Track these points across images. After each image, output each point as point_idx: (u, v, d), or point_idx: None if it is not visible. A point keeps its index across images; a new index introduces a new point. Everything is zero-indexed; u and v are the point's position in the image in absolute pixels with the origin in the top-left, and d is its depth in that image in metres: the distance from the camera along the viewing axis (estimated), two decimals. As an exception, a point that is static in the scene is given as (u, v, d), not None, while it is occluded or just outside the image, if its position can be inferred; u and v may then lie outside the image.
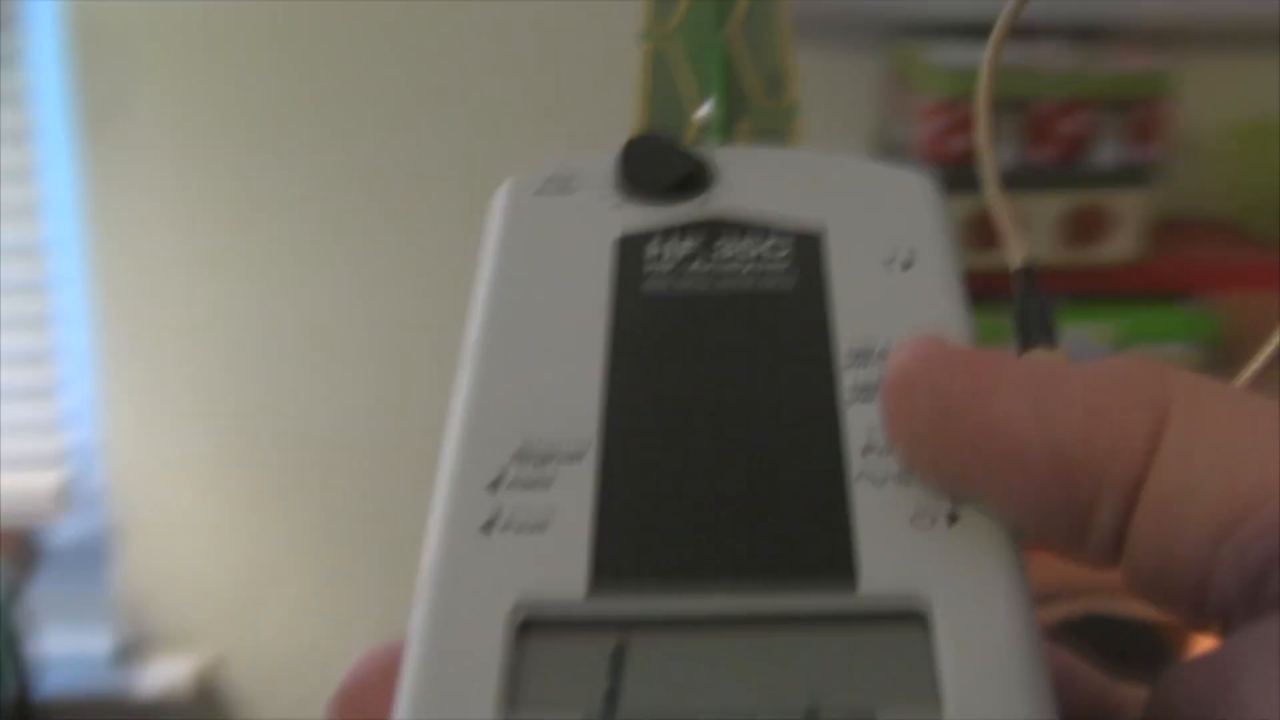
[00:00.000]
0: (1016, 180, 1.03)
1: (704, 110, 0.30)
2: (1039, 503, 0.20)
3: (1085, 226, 1.14)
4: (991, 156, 0.29)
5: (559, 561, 0.20)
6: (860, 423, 0.22)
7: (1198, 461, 0.19)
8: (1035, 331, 0.27)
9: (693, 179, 0.27)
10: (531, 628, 0.20)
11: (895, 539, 0.20)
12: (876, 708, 0.19)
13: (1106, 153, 1.14)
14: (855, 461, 0.21)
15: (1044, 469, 0.20)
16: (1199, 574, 0.19)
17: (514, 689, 0.19)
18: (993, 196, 0.29)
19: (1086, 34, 1.10)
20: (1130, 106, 1.14)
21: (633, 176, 0.27)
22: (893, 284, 0.25)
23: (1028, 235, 0.29)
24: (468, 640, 0.19)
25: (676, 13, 0.31)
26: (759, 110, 0.31)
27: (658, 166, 0.27)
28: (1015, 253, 0.28)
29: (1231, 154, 1.25)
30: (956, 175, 0.77)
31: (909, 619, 0.20)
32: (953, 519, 0.21)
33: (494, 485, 0.21)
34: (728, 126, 0.31)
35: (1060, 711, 0.19)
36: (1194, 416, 0.19)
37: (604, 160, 0.27)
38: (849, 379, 0.23)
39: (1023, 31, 0.90)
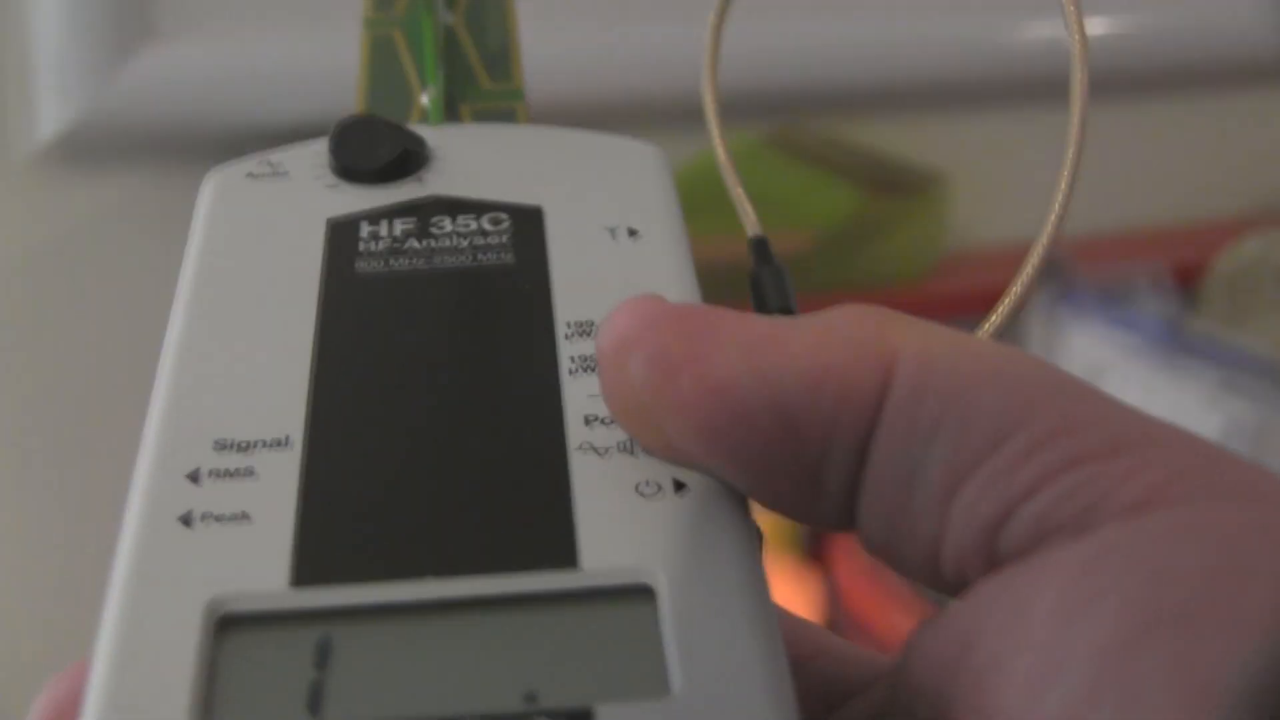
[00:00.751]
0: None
1: (426, 96, 0.29)
2: (766, 464, 0.19)
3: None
4: (720, 130, 0.27)
5: (261, 553, 0.19)
6: (581, 394, 0.21)
7: (924, 415, 0.18)
8: (772, 299, 0.25)
9: (407, 158, 0.26)
10: (230, 624, 0.18)
11: (618, 512, 0.19)
12: (598, 692, 0.17)
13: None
14: (576, 433, 0.21)
15: (769, 427, 0.18)
16: (931, 530, 0.18)
17: (210, 692, 0.17)
18: (724, 169, 0.27)
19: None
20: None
21: (344, 158, 0.26)
22: (616, 254, 0.24)
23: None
24: (160, 640, 0.18)
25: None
26: (484, 92, 0.29)
27: (370, 147, 0.26)
28: (749, 223, 0.27)
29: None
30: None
31: (634, 594, 0.19)
32: (679, 486, 0.20)
33: (193, 476, 0.20)
34: (451, 109, 0.29)
35: (797, 687, 0.18)
36: (924, 367, 0.18)
37: (318, 144, 0.26)
38: (569, 350, 0.22)
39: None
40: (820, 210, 0.85)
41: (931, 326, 0.19)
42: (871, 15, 0.91)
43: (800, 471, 0.19)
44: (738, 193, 0.27)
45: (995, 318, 0.23)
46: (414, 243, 0.24)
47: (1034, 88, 0.82)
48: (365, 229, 0.24)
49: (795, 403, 0.18)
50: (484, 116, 0.29)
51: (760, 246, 0.26)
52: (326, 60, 0.74)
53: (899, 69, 0.93)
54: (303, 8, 0.78)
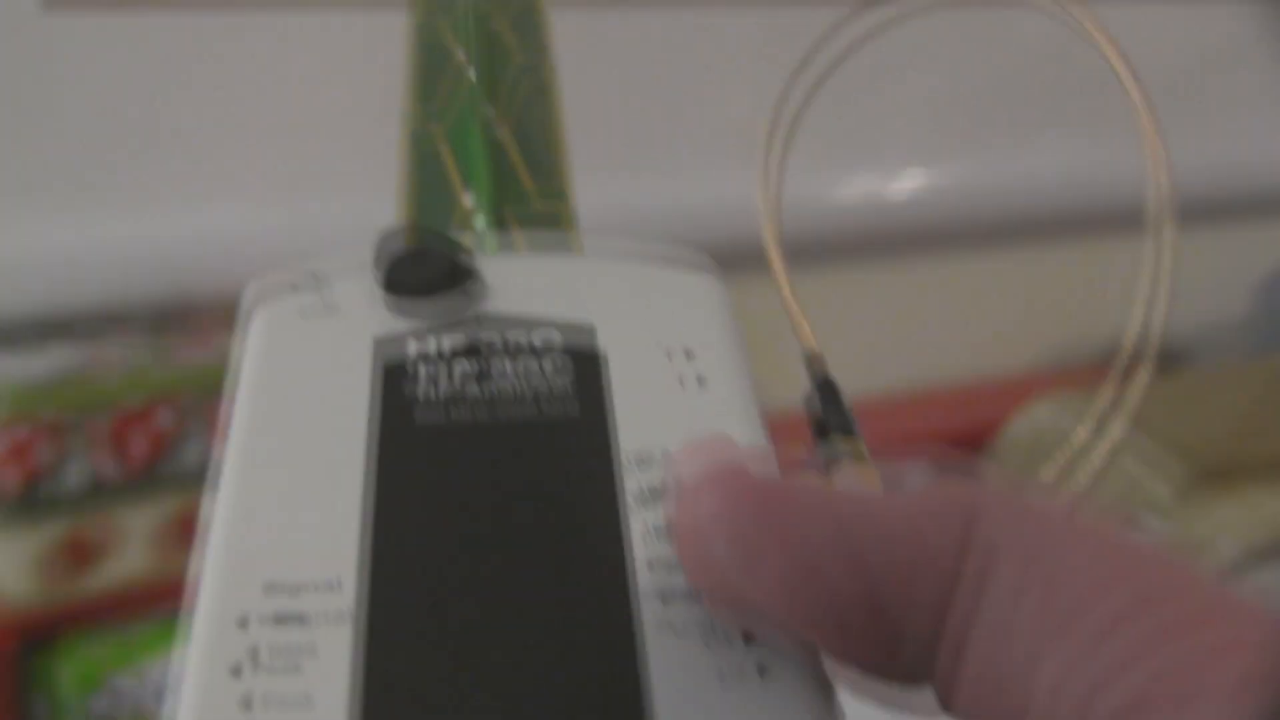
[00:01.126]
0: (102, 499, 0.82)
1: (469, 200, 0.28)
2: (851, 637, 0.19)
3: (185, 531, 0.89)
4: (779, 247, 0.29)
5: None
6: (651, 559, 0.20)
7: (1007, 575, 0.18)
8: (832, 420, 0.26)
9: (464, 292, 0.25)
10: None
11: (698, 702, 0.19)
12: None
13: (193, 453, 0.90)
14: (649, 610, 0.20)
15: (859, 609, 0.18)
16: (1018, 703, 0.18)
17: None
18: (786, 299, 0.28)
19: (161, 323, 0.91)
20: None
21: (398, 293, 0.25)
22: (684, 405, 0.23)
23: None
24: None
25: (440, 96, 0.29)
26: (532, 202, 0.29)
27: (424, 280, 0.25)
28: (808, 347, 0.27)
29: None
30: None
31: None
32: (762, 669, 0.19)
33: (238, 669, 0.19)
34: (500, 219, 0.28)
35: None
36: (1001, 548, 0.18)
37: (362, 263, 0.25)
38: (638, 519, 0.21)
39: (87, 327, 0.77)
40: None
41: (1018, 500, 0.19)
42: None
43: (882, 642, 0.19)
44: (792, 309, 0.28)
45: (1059, 475, 0.26)
46: (472, 388, 0.23)
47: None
48: (422, 372, 0.23)
49: (885, 586, 0.18)
50: (530, 223, 0.28)
51: (816, 364, 0.27)
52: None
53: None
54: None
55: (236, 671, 0.19)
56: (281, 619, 0.19)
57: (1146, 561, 0.18)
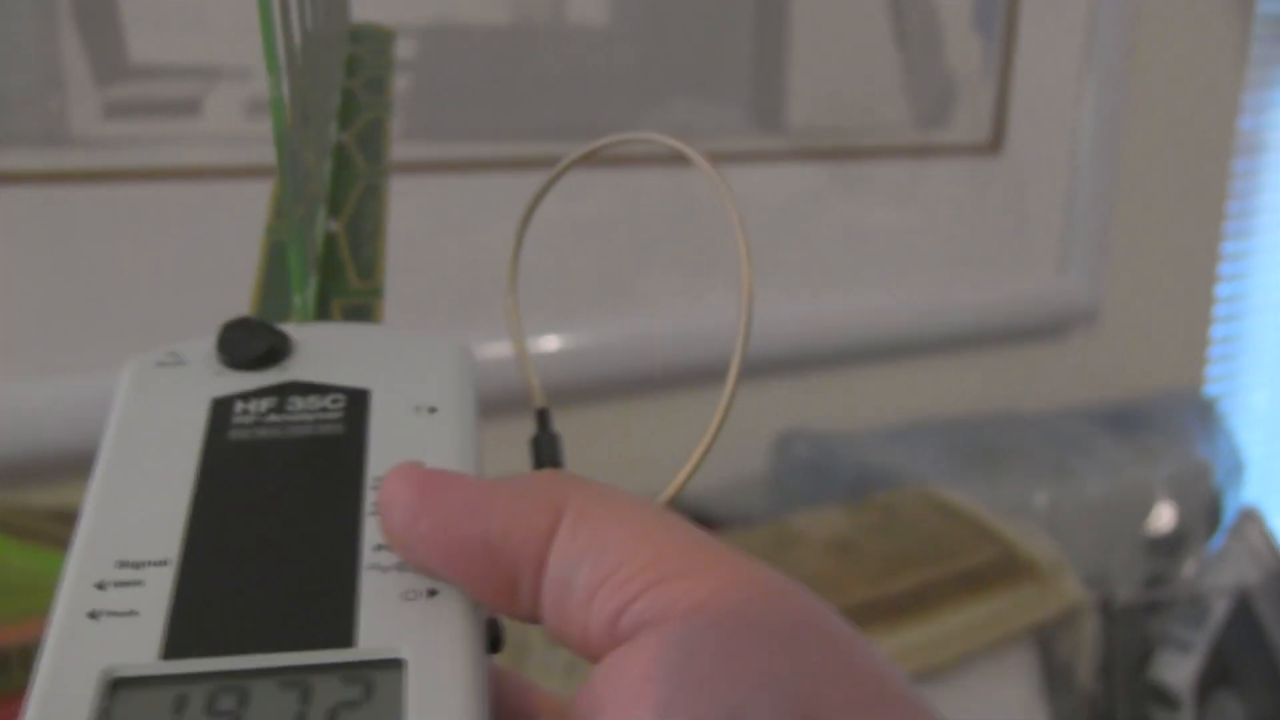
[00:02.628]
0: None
1: (298, 300, 0.36)
2: (480, 578, 0.27)
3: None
4: (517, 315, 0.39)
5: (142, 637, 0.27)
6: (375, 532, 0.29)
7: (577, 546, 0.27)
8: (546, 460, 0.36)
9: (275, 351, 0.34)
10: (119, 685, 0.26)
11: (388, 610, 0.27)
12: None
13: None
14: (369, 556, 0.28)
15: (479, 555, 0.27)
16: (581, 623, 0.27)
17: None
18: (519, 352, 0.38)
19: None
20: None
21: (227, 351, 0.33)
22: (417, 426, 0.32)
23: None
24: (69, 697, 0.25)
25: (298, 209, 0.36)
26: (352, 290, 0.38)
27: (247, 342, 0.33)
28: (536, 398, 0.37)
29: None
30: None
31: (390, 665, 0.26)
32: (432, 593, 0.28)
33: (100, 585, 0.28)
34: (324, 303, 0.37)
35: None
36: (580, 514, 0.27)
37: (210, 340, 0.34)
38: (372, 498, 0.30)
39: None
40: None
41: (595, 486, 0.28)
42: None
43: (503, 583, 0.27)
44: (530, 375, 0.37)
45: (668, 493, 0.33)
46: (273, 416, 0.32)
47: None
48: (239, 406, 0.32)
49: (496, 538, 0.27)
50: (349, 310, 0.37)
51: (542, 416, 0.36)
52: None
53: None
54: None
55: (93, 616, 0.27)
56: (126, 583, 0.28)
57: (665, 532, 0.27)
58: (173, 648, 0.27)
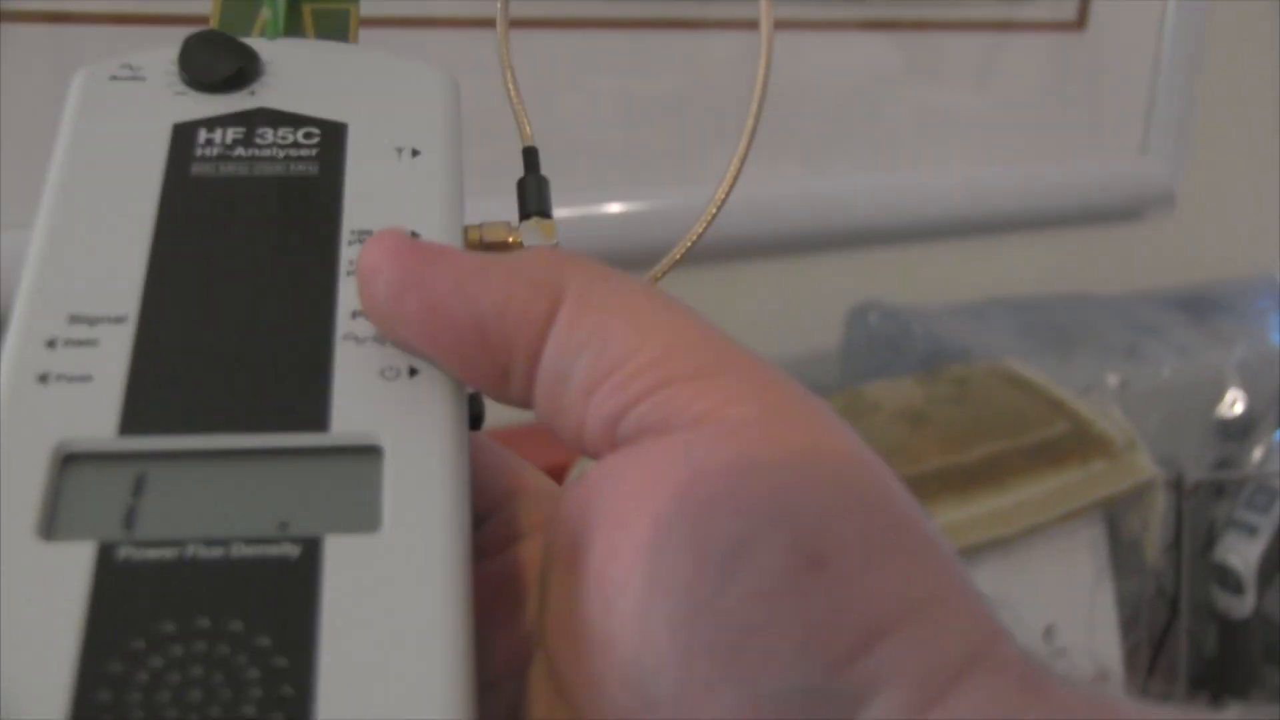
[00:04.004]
0: None
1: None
2: (469, 361, 0.26)
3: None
4: (506, 47, 0.34)
5: (98, 407, 0.24)
6: (352, 295, 0.27)
7: (576, 337, 0.25)
8: (533, 203, 0.32)
9: (243, 72, 0.30)
10: (72, 460, 0.24)
11: (365, 389, 0.25)
12: (328, 526, 0.23)
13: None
14: (344, 324, 0.26)
15: (470, 336, 0.25)
16: (578, 418, 0.25)
17: (54, 510, 0.23)
18: (508, 83, 0.34)
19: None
20: None
21: (190, 70, 0.30)
22: (399, 171, 0.29)
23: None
24: (18, 473, 0.23)
25: None
26: None
27: (212, 62, 0.30)
28: (523, 134, 0.33)
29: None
30: None
31: (367, 452, 0.25)
32: (413, 372, 0.26)
33: (50, 343, 0.25)
34: (295, 5, 0.33)
35: (471, 519, 0.25)
36: (581, 300, 0.25)
37: (171, 53, 0.31)
38: (348, 255, 0.27)
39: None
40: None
41: (598, 268, 0.26)
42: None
43: (493, 368, 0.26)
44: (515, 103, 0.34)
45: (658, 270, 0.32)
46: (240, 150, 0.29)
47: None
48: (202, 135, 0.29)
49: (488, 321, 0.25)
50: (322, 16, 0.33)
51: (530, 156, 0.33)
52: None
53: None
54: None
55: (43, 379, 0.25)
56: (79, 342, 0.25)
57: (675, 327, 0.25)
58: (131, 420, 0.24)
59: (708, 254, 1.14)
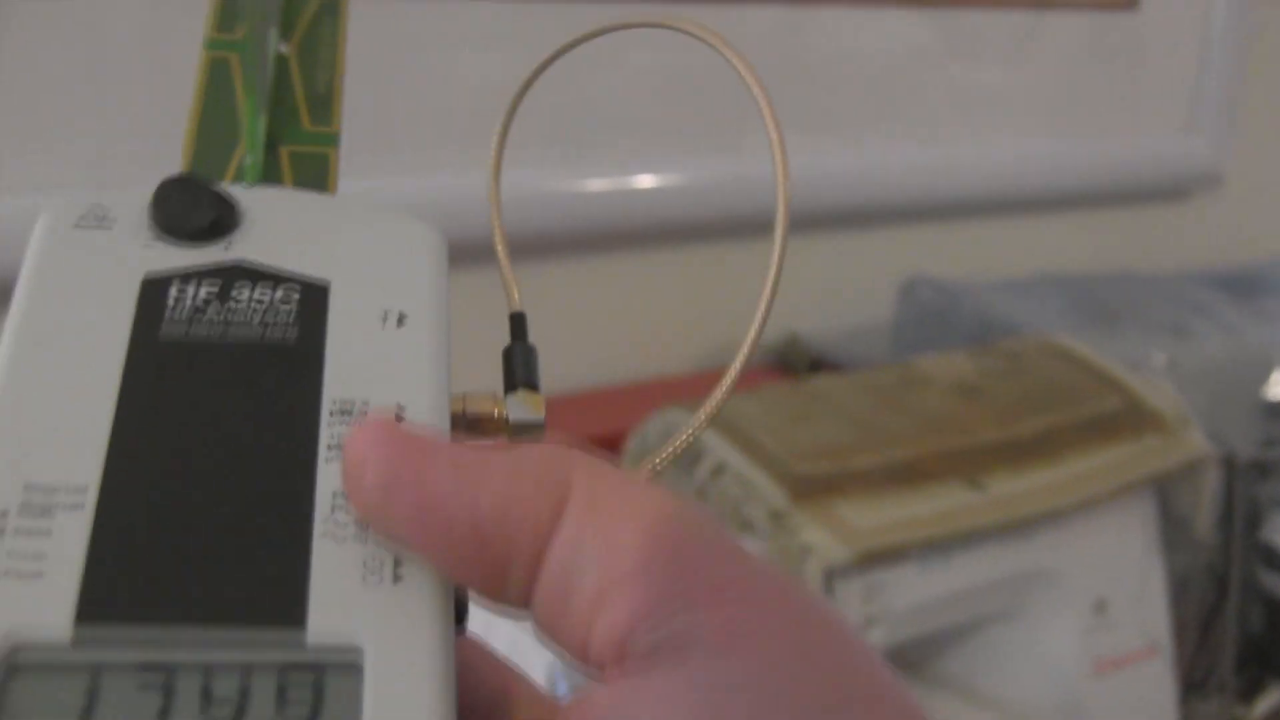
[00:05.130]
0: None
1: (247, 159, 0.31)
2: (464, 563, 0.24)
3: None
4: (499, 211, 0.33)
5: (49, 606, 0.22)
6: (332, 478, 0.25)
7: (583, 543, 0.24)
8: (520, 374, 0.30)
9: (219, 223, 0.28)
10: (18, 669, 0.21)
11: (344, 591, 0.23)
12: None
13: None
14: (322, 517, 0.24)
15: (467, 538, 0.24)
16: (583, 629, 0.24)
17: None
18: (499, 248, 0.32)
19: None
20: None
21: (163, 218, 0.28)
22: (384, 339, 0.27)
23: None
24: None
25: (242, 22, 0.31)
26: (304, 134, 0.32)
27: (187, 209, 0.28)
28: (511, 300, 0.31)
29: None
30: None
31: (346, 668, 0.23)
32: (397, 575, 0.24)
33: (2, 514, 0.23)
34: (271, 148, 0.31)
35: None
36: (588, 504, 0.24)
37: (142, 197, 0.28)
38: (328, 435, 0.25)
39: None
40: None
41: (601, 467, 0.25)
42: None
43: (490, 569, 0.24)
44: (506, 272, 0.32)
45: (660, 459, 0.29)
46: (214, 309, 0.27)
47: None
48: (173, 292, 0.27)
49: (487, 522, 0.24)
50: (300, 159, 0.31)
51: (517, 322, 0.31)
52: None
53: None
54: None
55: None
56: (34, 511, 0.23)
57: (687, 539, 0.24)
58: (86, 620, 0.22)
59: (756, 227, 1.14)
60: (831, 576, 0.70)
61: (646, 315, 1.02)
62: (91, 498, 0.23)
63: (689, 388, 0.86)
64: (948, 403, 0.84)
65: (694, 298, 1.03)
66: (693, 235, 1.02)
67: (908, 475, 0.75)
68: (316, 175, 0.32)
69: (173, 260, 0.27)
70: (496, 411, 0.29)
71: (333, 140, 0.32)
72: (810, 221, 1.06)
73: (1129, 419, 0.86)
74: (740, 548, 0.25)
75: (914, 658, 0.83)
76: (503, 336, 0.31)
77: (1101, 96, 1.23)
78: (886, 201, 1.10)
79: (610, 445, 0.83)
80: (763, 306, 0.29)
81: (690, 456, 0.77)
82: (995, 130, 1.17)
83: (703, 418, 0.30)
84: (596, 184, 0.94)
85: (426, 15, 0.85)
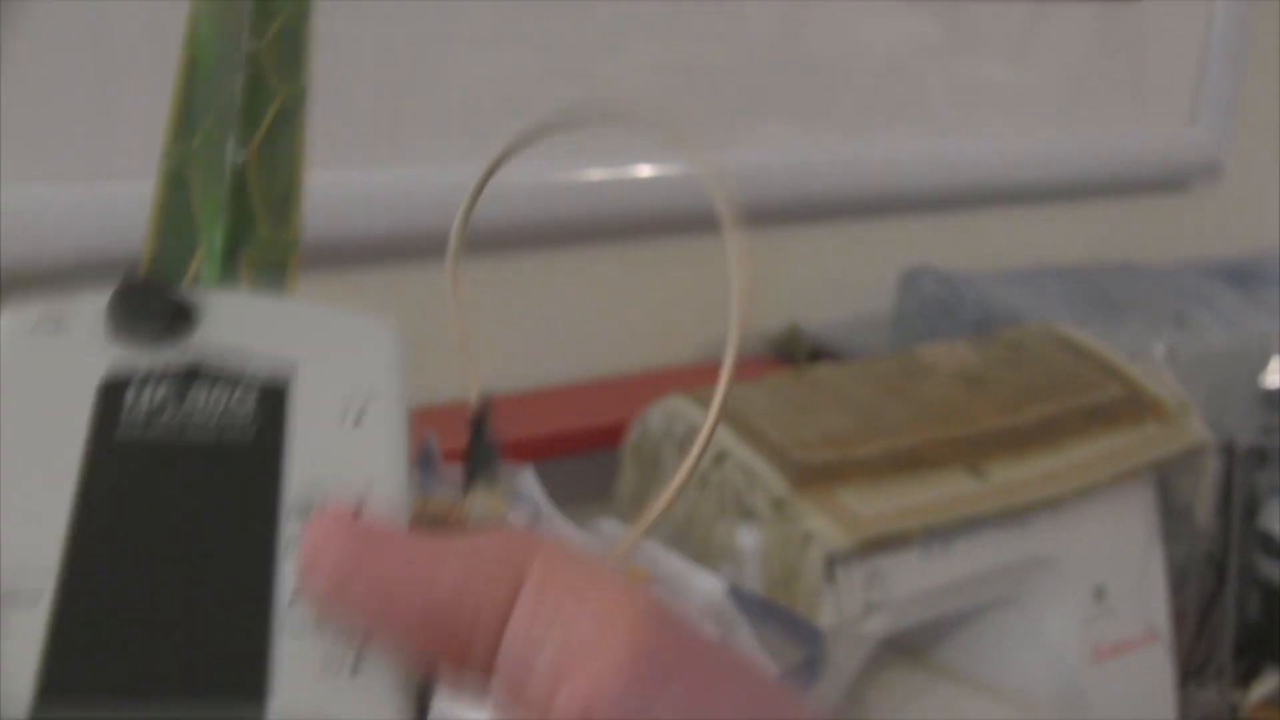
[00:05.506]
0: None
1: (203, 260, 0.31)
2: (425, 645, 0.24)
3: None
4: (459, 301, 0.33)
5: (4, 704, 0.22)
6: (291, 574, 0.25)
7: (538, 627, 0.24)
8: (480, 470, 0.31)
9: (176, 327, 0.28)
10: None
11: (305, 689, 0.23)
12: None
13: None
14: (281, 613, 0.24)
15: (424, 623, 0.24)
16: (543, 706, 0.24)
17: None
18: (463, 346, 0.33)
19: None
20: None
21: (119, 322, 0.28)
22: (342, 439, 0.27)
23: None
24: None
25: (200, 131, 0.31)
26: (263, 241, 0.32)
27: (143, 314, 0.28)
28: (474, 398, 0.32)
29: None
30: None
31: None
32: (356, 667, 0.24)
33: None
34: (230, 256, 0.32)
35: None
36: (546, 581, 0.24)
37: (99, 300, 0.28)
38: (287, 533, 0.25)
39: None
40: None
41: (559, 549, 0.25)
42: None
43: (449, 651, 0.24)
44: (468, 363, 0.32)
45: (624, 546, 0.32)
46: (171, 412, 0.27)
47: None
48: (130, 395, 0.27)
49: (445, 607, 0.24)
50: (260, 266, 0.32)
51: (478, 422, 0.32)
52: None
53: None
54: None
55: None
56: None
57: (640, 617, 0.24)
58: (45, 692, 0.22)
59: (759, 217, 1.15)
60: (833, 563, 0.70)
61: (648, 305, 1.03)
62: (48, 598, 0.24)
63: (690, 378, 0.87)
64: (950, 391, 0.84)
65: (695, 288, 1.03)
66: (693, 225, 1.03)
67: (909, 463, 0.76)
68: (274, 280, 0.32)
69: (129, 363, 0.28)
70: (457, 511, 0.30)
71: (291, 246, 0.32)
72: (811, 212, 1.06)
73: (1129, 407, 0.87)
74: (696, 626, 0.25)
75: (915, 645, 0.84)
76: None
77: (1102, 88, 1.23)
78: (888, 192, 1.10)
79: (612, 436, 0.83)
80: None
81: (691, 445, 0.77)
82: (996, 121, 1.17)
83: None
84: (597, 173, 0.94)
85: (427, 12, 0.86)
